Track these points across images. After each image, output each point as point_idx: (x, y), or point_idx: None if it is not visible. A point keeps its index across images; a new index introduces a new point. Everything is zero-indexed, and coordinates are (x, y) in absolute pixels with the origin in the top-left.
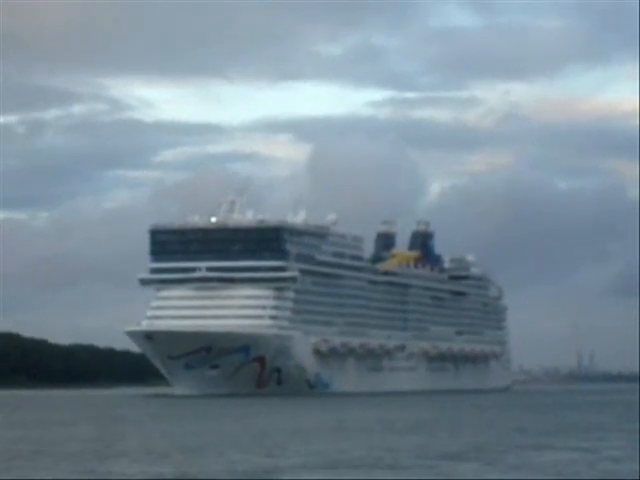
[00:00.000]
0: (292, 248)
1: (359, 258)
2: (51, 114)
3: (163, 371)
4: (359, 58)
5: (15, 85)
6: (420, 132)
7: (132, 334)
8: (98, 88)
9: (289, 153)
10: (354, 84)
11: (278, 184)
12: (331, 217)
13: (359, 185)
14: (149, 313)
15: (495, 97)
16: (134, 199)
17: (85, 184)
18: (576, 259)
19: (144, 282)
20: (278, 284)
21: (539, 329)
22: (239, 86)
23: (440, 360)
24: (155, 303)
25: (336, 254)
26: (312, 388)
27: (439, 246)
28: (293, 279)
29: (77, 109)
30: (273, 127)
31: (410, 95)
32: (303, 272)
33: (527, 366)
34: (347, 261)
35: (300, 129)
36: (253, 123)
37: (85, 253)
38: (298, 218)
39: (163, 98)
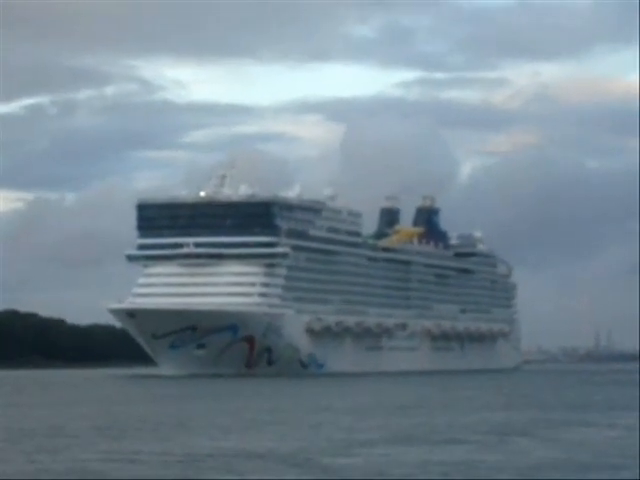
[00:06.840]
0: (284, 223)
1: (356, 234)
2: (83, 95)
3: (147, 350)
4: (389, 38)
5: (47, 66)
6: (449, 112)
7: (115, 312)
8: (130, 69)
9: (319, 134)
10: (383, 64)
11: (309, 165)
12: (328, 191)
13: (392, 165)
14: (134, 290)
15: (524, 78)
16: (164, 179)
17: (116, 164)
18: (602, 239)
19: (131, 258)
20: (269, 260)
21: (558, 308)
22: (269, 67)
23: (444, 339)
24: (142, 280)
25: (331, 229)
26: (305, 368)
27: (456, 223)
28: (284, 255)
29: (109, 90)
30: (303, 108)
31: (439, 75)
32: (296, 248)
33: (545, 346)
34: (343, 237)
35: (330, 110)
36: (283, 104)
37: (114, 233)
38: (292, 192)
39: (194, 79)
